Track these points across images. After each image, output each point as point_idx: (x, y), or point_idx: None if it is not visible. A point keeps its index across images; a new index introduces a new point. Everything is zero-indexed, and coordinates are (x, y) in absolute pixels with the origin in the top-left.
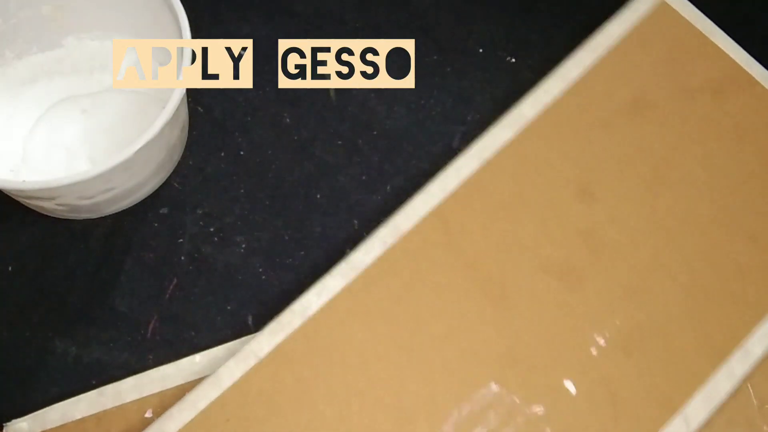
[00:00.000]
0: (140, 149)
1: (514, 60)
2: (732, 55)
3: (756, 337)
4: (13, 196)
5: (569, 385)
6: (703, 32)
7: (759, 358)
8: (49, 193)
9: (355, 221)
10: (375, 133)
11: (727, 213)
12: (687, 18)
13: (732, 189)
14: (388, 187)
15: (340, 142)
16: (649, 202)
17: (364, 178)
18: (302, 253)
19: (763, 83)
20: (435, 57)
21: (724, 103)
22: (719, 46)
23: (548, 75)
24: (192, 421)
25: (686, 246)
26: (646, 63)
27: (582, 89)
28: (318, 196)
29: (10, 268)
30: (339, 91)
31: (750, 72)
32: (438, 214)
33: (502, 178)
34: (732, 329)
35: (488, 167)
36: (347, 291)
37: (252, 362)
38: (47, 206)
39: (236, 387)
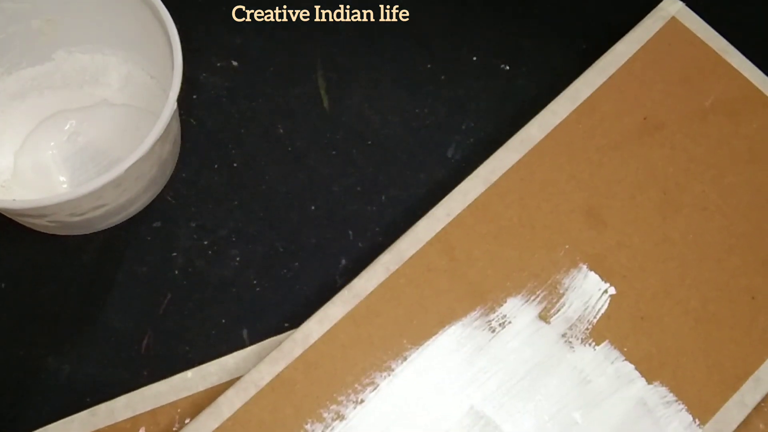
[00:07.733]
0: (131, 166)
1: (508, 67)
2: (746, 75)
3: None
4: (5, 214)
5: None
6: (717, 51)
7: None
8: (40, 211)
9: (350, 232)
10: (369, 143)
11: (739, 239)
12: (700, 36)
13: (745, 214)
14: (383, 198)
15: (334, 153)
16: (660, 228)
17: (358, 188)
18: (297, 264)
19: None
20: (429, 65)
21: (737, 124)
22: (733, 65)
23: (557, 96)
24: None
25: (698, 273)
26: (657, 82)
27: (591, 110)
28: (312, 208)
29: (3, 286)
30: (332, 101)
31: (765, 92)
32: (442, 239)
33: (508, 203)
34: (743, 358)
35: (495, 191)
36: (349, 318)
37: (252, 392)
38: (39, 223)
39: (235, 418)
